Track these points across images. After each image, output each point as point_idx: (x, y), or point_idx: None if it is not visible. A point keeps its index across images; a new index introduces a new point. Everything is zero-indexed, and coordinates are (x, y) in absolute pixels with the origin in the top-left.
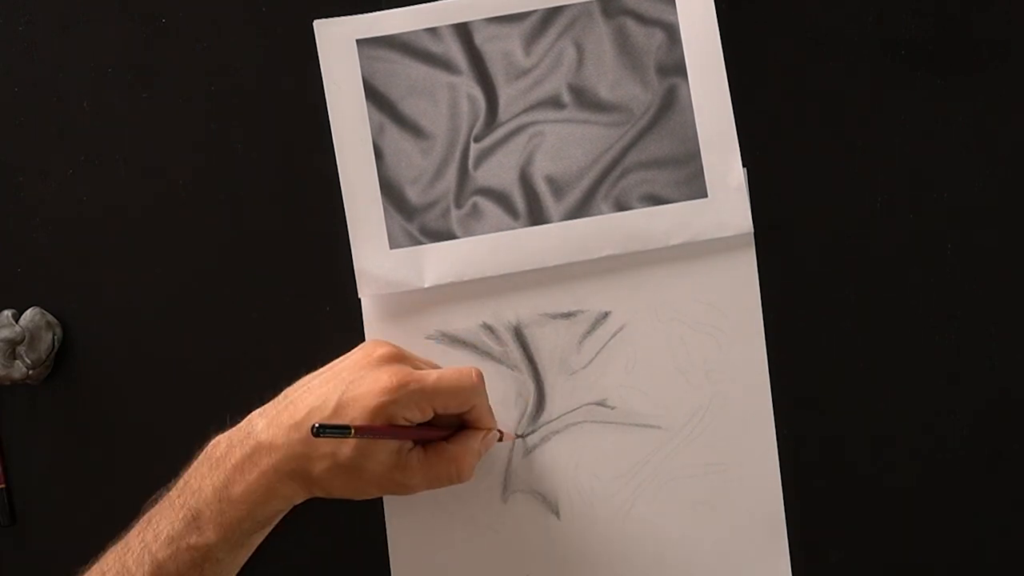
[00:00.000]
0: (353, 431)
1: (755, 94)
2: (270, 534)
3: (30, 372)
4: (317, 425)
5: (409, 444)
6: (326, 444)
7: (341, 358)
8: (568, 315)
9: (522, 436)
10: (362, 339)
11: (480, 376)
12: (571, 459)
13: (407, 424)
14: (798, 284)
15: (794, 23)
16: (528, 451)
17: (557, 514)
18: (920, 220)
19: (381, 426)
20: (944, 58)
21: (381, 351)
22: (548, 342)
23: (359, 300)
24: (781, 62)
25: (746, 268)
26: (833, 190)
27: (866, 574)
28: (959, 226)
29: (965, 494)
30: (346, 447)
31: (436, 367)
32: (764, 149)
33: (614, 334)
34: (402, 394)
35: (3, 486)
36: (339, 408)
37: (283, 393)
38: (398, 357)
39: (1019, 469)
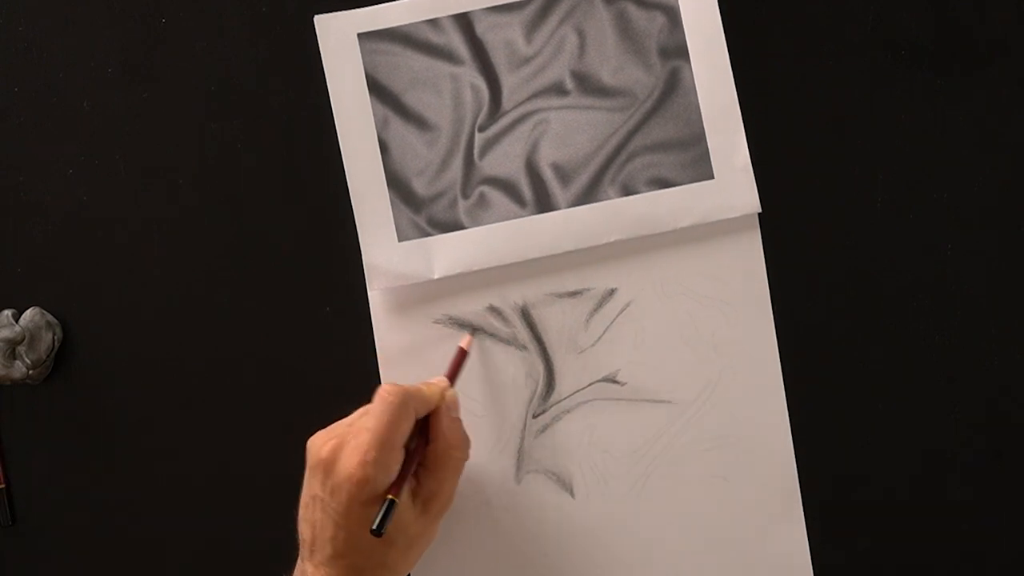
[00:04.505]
0: (394, 498)
1: (753, 98)
2: (280, 523)
3: (30, 372)
4: (373, 528)
5: (412, 482)
6: (376, 554)
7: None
8: (575, 293)
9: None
10: (368, 337)
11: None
12: (583, 437)
13: (405, 449)
14: (796, 284)
15: (794, 23)
16: (540, 431)
17: (571, 493)
18: (920, 220)
19: (401, 470)
20: (945, 58)
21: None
22: (556, 321)
23: (363, 299)
24: (780, 62)
25: (751, 243)
26: (832, 191)
27: (870, 561)
28: (959, 226)
29: (965, 494)
30: (385, 543)
31: None
32: (763, 149)
33: (621, 310)
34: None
35: (3, 486)
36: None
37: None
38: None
39: (1019, 469)
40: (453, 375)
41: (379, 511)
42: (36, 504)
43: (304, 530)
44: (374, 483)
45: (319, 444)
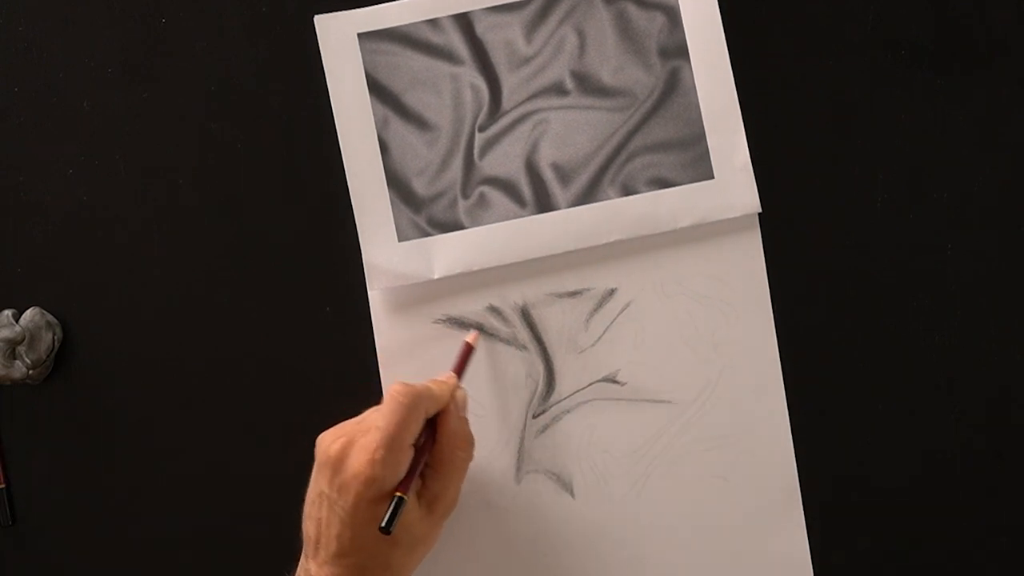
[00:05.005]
0: (402, 495)
1: (753, 98)
2: (281, 522)
3: (30, 372)
4: (382, 526)
5: (418, 483)
6: (380, 554)
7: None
8: (575, 293)
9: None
10: (368, 337)
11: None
12: (583, 437)
13: (414, 448)
14: (796, 284)
15: (794, 23)
16: (540, 431)
17: (571, 493)
18: (920, 220)
19: (409, 469)
20: (945, 58)
21: (332, 450)
22: (556, 321)
23: (363, 299)
24: (780, 62)
25: (752, 243)
26: (832, 191)
27: (870, 561)
28: (959, 226)
29: (965, 494)
30: (390, 542)
31: None
32: (763, 149)
33: (621, 310)
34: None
35: (3, 486)
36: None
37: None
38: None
39: (1019, 469)
40: (460, 371)
41: (388, 508)
42: (36, 504)
43: (309, 528)
44: (382, 482)
45: (328, 442)
